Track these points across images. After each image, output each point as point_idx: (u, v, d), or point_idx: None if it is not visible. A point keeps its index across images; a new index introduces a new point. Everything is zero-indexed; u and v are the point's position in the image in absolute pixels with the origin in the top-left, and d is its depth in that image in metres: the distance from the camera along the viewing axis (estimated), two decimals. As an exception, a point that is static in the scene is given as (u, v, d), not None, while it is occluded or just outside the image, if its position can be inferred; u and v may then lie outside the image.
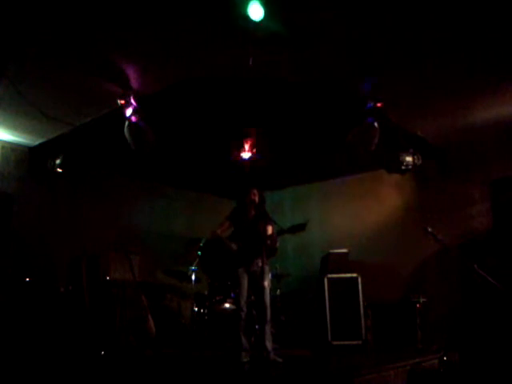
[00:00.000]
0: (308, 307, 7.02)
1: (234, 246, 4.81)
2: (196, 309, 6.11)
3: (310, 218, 7.49)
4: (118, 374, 4.28)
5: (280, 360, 4.53)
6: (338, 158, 6.69)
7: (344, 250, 6.55)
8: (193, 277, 6.22)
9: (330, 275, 6.34)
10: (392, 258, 6.73)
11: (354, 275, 6.26)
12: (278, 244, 4.65)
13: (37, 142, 5.91)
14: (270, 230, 4.75)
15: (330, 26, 3.66)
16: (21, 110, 4.90)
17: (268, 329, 4.61)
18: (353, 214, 7.46)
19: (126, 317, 5.56)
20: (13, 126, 5.41)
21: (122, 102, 4.43)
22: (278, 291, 6.68)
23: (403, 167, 5.75)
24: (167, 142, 5.62)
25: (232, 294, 6.10)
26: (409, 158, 5.71)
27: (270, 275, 5.00)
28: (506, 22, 3.59)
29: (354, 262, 6.48)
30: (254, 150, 5.89)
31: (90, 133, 5.41)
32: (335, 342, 6.04)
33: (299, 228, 4.55)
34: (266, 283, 4.66)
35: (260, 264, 4.52)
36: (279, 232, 4.63)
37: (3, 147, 5.86)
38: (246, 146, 5.97)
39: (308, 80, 4.58)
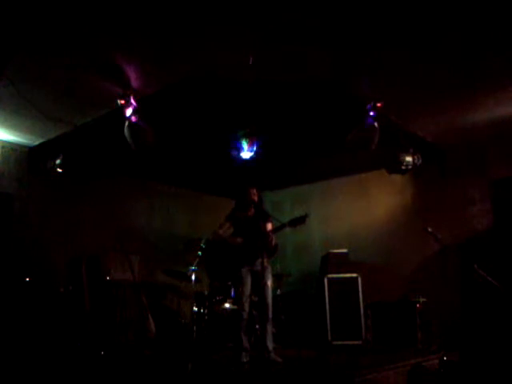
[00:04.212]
0: (308, 307, 7.03)
1: (238, 240, 4.82)
2: (196, 309, 6.11)
3: (309, 217, 7.49)
4: (118, 374, 4.29)
5: (280, 360, 4.54)
6: (338, 157, 6.69)
7: (344, 250, 6.56)
8: (193, 277, 6.22)
9: (329, 275, 6.34)
10: (392, 258, 6.74)
11: (354, 275, 6.26)
12: (274, 242, 4.67)
13: (37, 142, 5.91)
14: (269, 226, 4.78)
15: (329, 26, 3.67)
16: (21, 110, 4.89)
17: (269, 328, 4.62)
18: (353, 214, 7.46)
19: (125, 317, 5.56)
20: (13, 126, 5.40)
21: (122, 101, 4.42)
22: (279, 291, 6.68)
23: (403, 167, 5.75)
24: (167, 142, 5.61)
25: (232, 294, 6.11)
26: (409, 158, 5.71)
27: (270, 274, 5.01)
28: (506, 22, 3.59)
29: (354, 262, 6.48)
30: (254, 150, 5.89)
31: (90, 133, 5.40)
32: (335, 342, 6.04)
33: (299, 221, 4.56)
34: (270, 282, 4.67)
35: (263, 263, 4.53)
36: (280, 226, 4.66)
37: (3, 147, 5.85)
38: (246, 146, 5.97)
39: (308, 80, 4.58)
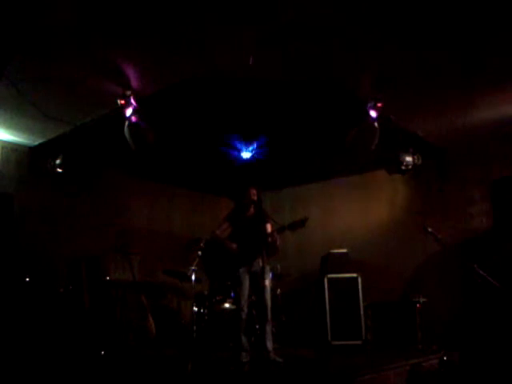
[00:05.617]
0: (308, 307, 7.02)
1: (234, 246, 4.82)
2: (196, 309, 6.11)
3: (310, 217, 7.51)
4: (118, 374, 4.29)
5: (280, 360, 4.53)
6: (338, 158, 6.69)
7: (344, 250, 6.55)
8: (193, 277, 6.22)
9: (330, 275, 6.34)
10: (392, 257, 6.74)
11: (354, 275, 6.26)
12: (278, 242, 4.65)
13: (37, 142, 5.91)
14: (269, 227, 4.77)
15: (329, 25, 3.67)
16: (21, 110, 4.89)
17: (268, 328, 4.61)
18: (353, 214, 7.47)
19: (125, 317, 5.56)
20: (13, 126, 5.41)
21: (122, 102, 4.43)
22: (279, 291, 6.68)
23: (403, 167, 5.76)
24: (167, 142, 5.62)
25: (232, 294, 6.10)
26: (409, 158, 5.72)
27: (270, 275, 5.00)
28: (505, 22, 3.59)
29: (354, 262, 6.48)
30: (254, 150, 5.90)
31: (90, 133, 5.41)
32: (335, 342, 6.04)
33: (299, 224, 4.57)
34: (267, 282, 4.66)
35: (261, 264, 4.52)
36: (279, 229, 4.65)
37: (3, 147, 5.85)
38: (246, 146, 5.98)
39: (308, 79, 4.58)
